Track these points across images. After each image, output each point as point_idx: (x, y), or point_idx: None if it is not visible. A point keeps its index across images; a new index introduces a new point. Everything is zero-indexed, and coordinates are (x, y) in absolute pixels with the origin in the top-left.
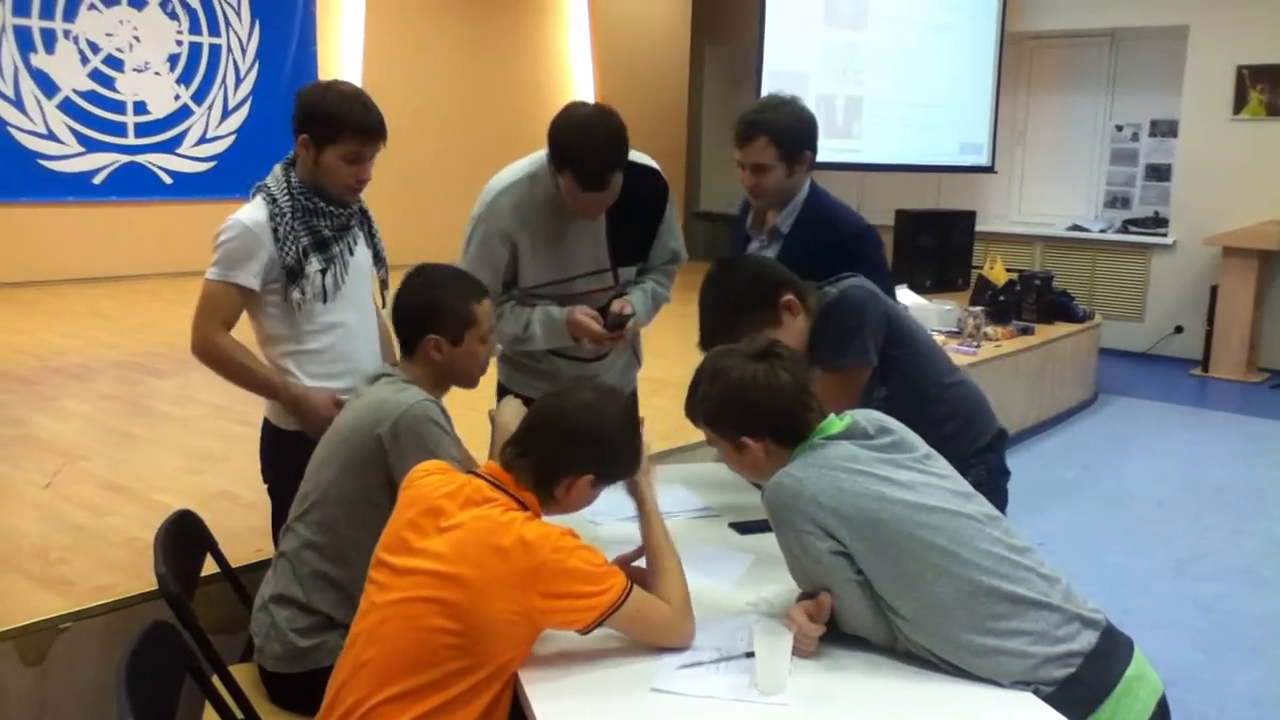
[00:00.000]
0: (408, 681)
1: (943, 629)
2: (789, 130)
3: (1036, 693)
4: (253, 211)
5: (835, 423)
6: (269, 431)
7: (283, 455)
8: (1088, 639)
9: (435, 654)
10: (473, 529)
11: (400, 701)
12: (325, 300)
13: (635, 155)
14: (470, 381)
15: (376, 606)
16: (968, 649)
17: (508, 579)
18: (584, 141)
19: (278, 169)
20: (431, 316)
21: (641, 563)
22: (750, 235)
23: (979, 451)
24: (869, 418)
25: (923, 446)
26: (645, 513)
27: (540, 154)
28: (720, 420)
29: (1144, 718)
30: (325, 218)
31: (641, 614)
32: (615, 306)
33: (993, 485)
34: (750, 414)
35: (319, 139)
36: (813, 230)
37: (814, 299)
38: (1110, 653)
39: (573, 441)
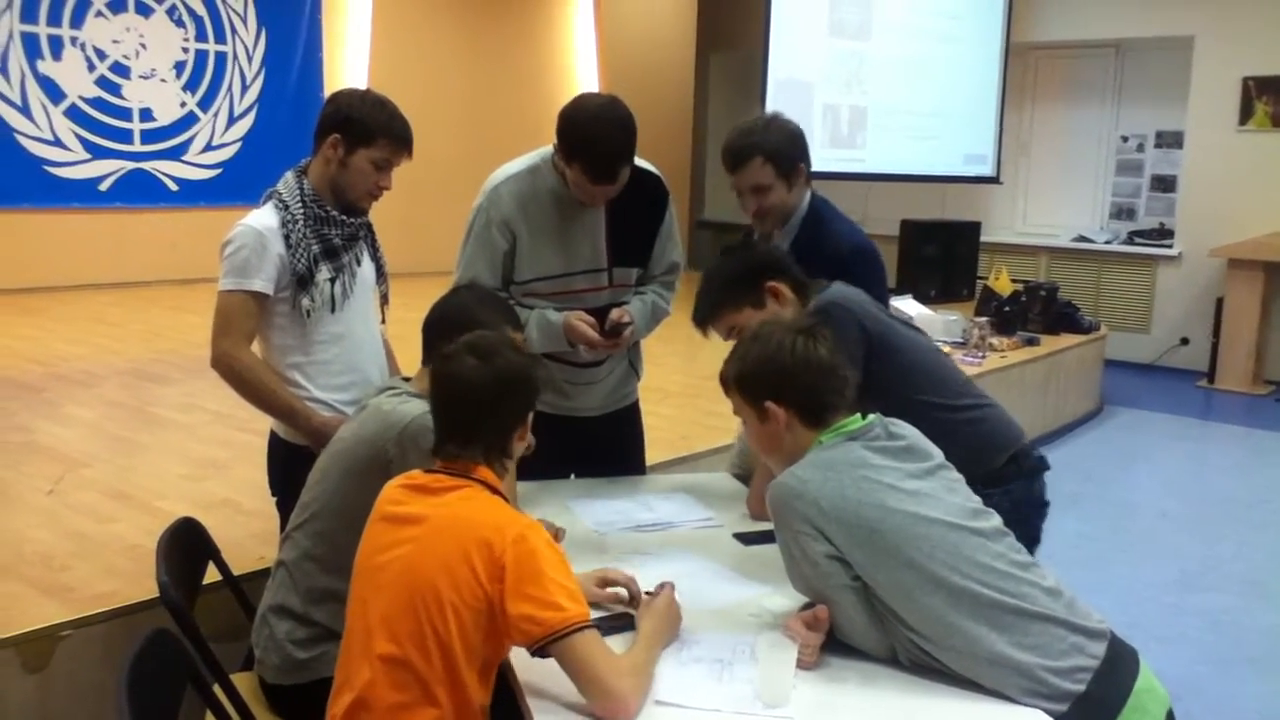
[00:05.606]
0: (407, 680)
1: (945, 639)
2: (780, 146)
3: (1050, 713)
4: (263, 217)
5: (856, 420)
6: (276, 445)
7: (291, 469)
8: (1094, 652)
9: (416, 642)
10: (445, 515)
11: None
12: (333, 309)
13: (637, 160)
14: None
15: (366, 607)
16: (972, 658)
17: (471, 546)
18: (596, 134)
19: (290, 176)
20: (465, 325)
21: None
22: None
23: (990, 479)
24: (884, 421)
25: (936, 456)
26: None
27: (542, 150)
28: (750, 380)
29: None
30: (336, 226)
31: (591, 657)
32: (614, 315)
33: (1016, 516)
34: (780, 380)
35: (353, 140)
36: (810, 248)
37: (813, 290)
38: (1118, 666)
39: (498, 399)
